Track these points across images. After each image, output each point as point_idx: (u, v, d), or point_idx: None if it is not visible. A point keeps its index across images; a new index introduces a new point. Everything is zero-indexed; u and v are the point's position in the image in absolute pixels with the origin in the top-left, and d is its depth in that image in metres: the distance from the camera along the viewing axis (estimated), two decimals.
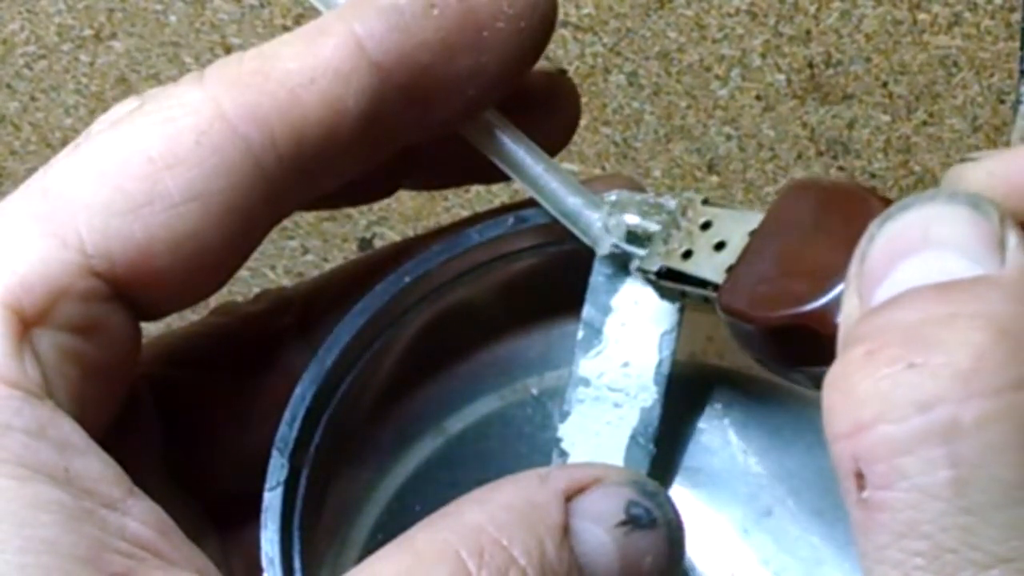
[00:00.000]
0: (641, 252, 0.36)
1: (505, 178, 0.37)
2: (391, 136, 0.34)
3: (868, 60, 0.67)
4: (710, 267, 0.34)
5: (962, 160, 0.31)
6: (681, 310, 0.37)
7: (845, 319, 0.27)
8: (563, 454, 0.37)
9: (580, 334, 0.37)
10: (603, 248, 0.36)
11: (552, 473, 0.33)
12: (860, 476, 0.26)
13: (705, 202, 0.35)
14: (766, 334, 0.31)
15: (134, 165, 0.32)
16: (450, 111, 0.35)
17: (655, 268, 0.36)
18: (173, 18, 0.69)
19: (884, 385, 0.25)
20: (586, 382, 0.37)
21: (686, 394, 0.39)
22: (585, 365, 0.37)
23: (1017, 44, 0.66)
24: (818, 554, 0.38)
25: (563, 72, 0.38)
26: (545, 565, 0.31)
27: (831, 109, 0.68)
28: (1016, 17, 0.65)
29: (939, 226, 0.27)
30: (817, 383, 0.30)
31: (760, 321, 0.31)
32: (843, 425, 0.26)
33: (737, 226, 0.34)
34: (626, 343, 0.37)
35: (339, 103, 0.33)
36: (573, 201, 0.36)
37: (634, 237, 0.36)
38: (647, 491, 0.33)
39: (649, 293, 0.37)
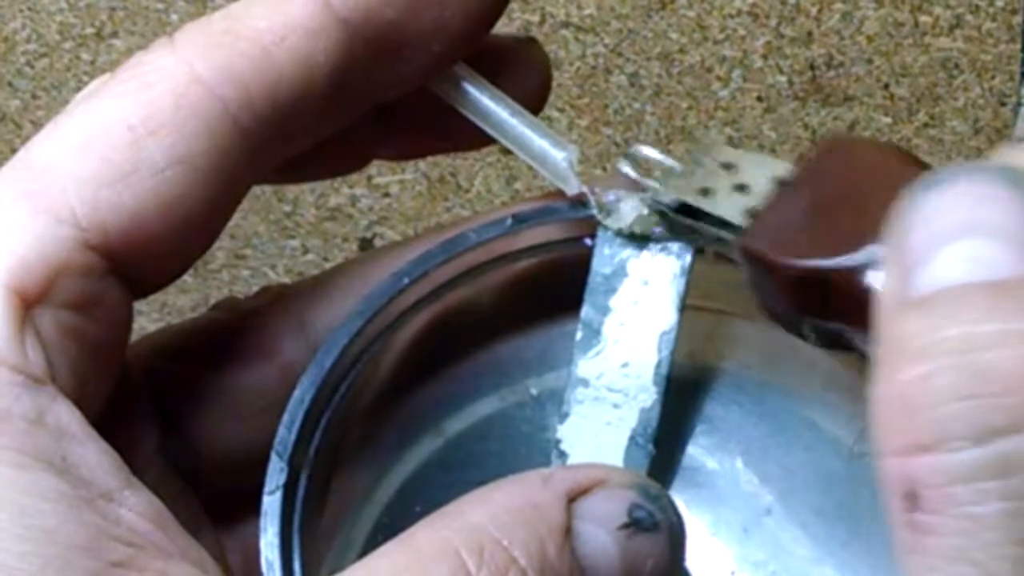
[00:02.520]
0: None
1: (475, 144, 0.38)
2: (362, 92, 0.35)
3: (869, 62, 0.67)
4: (729, 207, 0.34)
5: (1011, 141, 0.30)
6: (681, 310, 0.37)
7: (884, 296, 0.27)
8: (562, 455, 0.37)
9: (579, 335, 0.37)
10: (572, 188, 0.36)
11: (555, 474, 0.33)
12: (911, 497, 0.26)
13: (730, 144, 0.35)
14: (784, 283, 0.30)
15: (116, 134, 0.33)
16: (417, 66, 0.35)
17: (671, 201, 0.36)
18: (175, 16, 0.69)
19: (941, 414, 0.25)
20: (585, 383, 0.37)
21: (685, 394, 0.39)
22: (584, 366, 0.37)
23: (1018, 46, 0.66)
24: (818, 553, 0.38)
25: (531, 39, 0.39)
26: (546, 566, 0.31)
27: (832, 111, 0.68)
28: (1017, 20, 0.65)
29: (983, 207, 0.26)
30: (825, 340, 0.30)
31: (782, 267, 0.30)
32: (897, 445, 0.26)
33: (761, 170, 0.33)
34: (625, 343, 0.37)
35: (310, 59, 0.33)
36: (540, 144, 0.37)
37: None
38: (650, 494, 0.33)
39: (648, 293, 0.37)
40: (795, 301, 0.30)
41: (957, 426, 0.25)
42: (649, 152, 0.36)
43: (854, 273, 0.28)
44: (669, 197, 0.36)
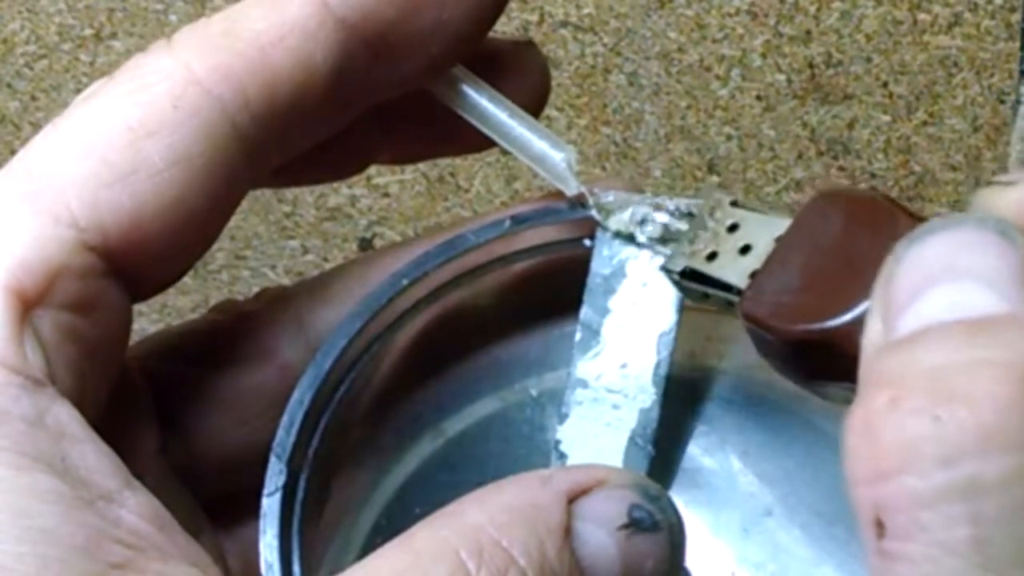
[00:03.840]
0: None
1: (474, 147, 0.38)
2: (360, 93, 0.35)
3: (868, 60, 0.67)
4: (735, 271, 0.34)
5: (992, 183, 0.30)
6: (680, 310, 0.37)
7: (868, 343, 0.27)
8: (562, 456, 0.37)
9: (578, 336, 0.37)
10: (571, 189, 0.36)
11: (554, 475, 0.33)
12: (880, 524, 0.25)
13: (734, 204, 0.36)
14: (786, 346, 0.31)
15: (115, 135, 0.33)
16: (415, 67, 0.35)
17: (679, 268, 0.36)
18: (174, 17, 0.69)
19: (908, 437, 0.25)
20: (584, 384, 0.37)
21: (685, 395, 0.39)
22: (583, 367, 0.37)
23: (1017, 44, 0.66)
24: (818, 554, 0.38)
25: (530, 42, 0.39)
26: (545, 566, 0.31)
27: (831, 109, 0.68)
28: (1016, 17, 0.65)
29: (966, 255, 0.26)
30: (836, 397, 0.30)
31: (781, 333, 0.31)
32: (865, 472, 0.26)
33: (764, 231, 0.34)
34: (624, 344, 0.37)
35: (308, 60, 0.34)
36: (539, 145, 0.37)
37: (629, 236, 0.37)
38: (650, 494, 0.33)
39: (647, 294, 0.37)
40: (800, 362, 0.30)
41: (924, 448, 0.25)
42: (660, 217, 0.37)
43: (851, 332, 0.28)
44: (678, 265, 0.36)
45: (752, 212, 0.35)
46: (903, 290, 0.27)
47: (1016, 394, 0.25)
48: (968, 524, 0.25)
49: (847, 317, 0.29)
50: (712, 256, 0.35)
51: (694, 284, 0.36)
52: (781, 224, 0.33)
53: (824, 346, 0.29)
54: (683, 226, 0.36)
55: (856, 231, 0.31)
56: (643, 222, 0.37)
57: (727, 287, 0.34)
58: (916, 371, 0.25)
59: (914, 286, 0.26)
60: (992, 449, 0.25)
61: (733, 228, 0.35)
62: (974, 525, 0.25)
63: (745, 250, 0.34)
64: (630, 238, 0.37)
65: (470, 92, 0.36)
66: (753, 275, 0.33)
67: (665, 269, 0.36)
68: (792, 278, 0.32)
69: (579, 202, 0.37)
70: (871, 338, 0.27)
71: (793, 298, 0.31)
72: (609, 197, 0.37)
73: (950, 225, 0.27)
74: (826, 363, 0.30)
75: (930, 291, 0.26)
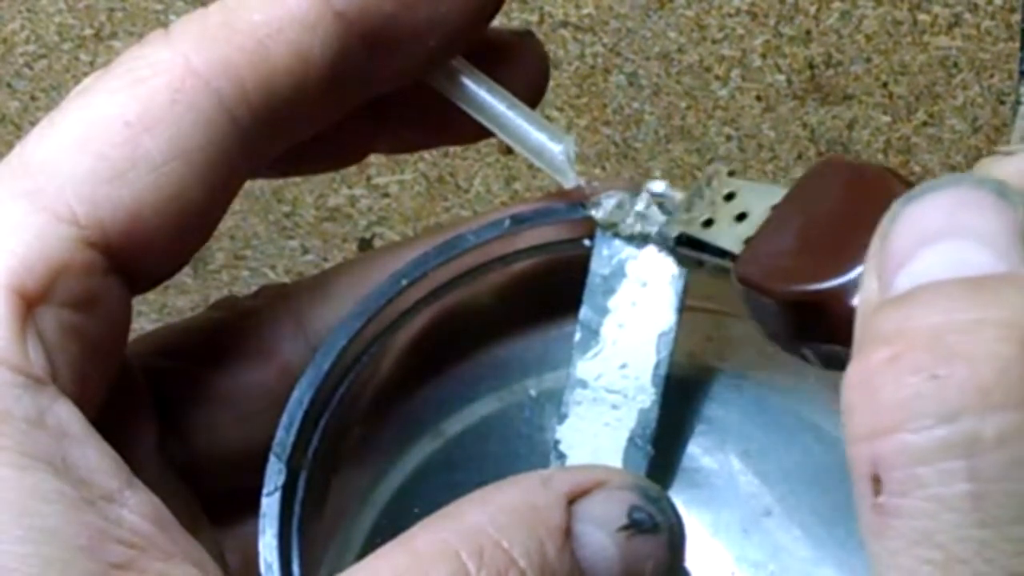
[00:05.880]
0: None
1: (473, 138, 0.38)
2: (357, 85, 0.35)
3: (868, 61, 0.67)
4: (729, 237, 0.34)
5: (994, 152, 0.30)
6: (680, 310, 0.37)
7: (863, 301, 0.27)
8: (561, 456, 0.37)
9: (577, 336, 0.37)
10: (569, 181, 0.37)
11: (555, 475, 0.33)
12: (876, 480, 0.25)
13: (731, 174, 0.36)
14: (779, 308, 0.31)
15: (113, 130, 0.32)
16: (413, 60, 0.35)
17: (675, 235, 0.36)
18: (173, 18, 0.69)
19: (907, 393, 0.25)
20: (584, 384, 0.37)
21: (685, 395, 0.39)
22: (583, 367, 0.37)
23: (1017, 45, 0.66)
24: (818, 554, 0.38)
25: (529, 32, 0.39)
26: (545, 567, 0.31)
27: (831, 110, 0.68)
28: (1016, 18, 0.66)
29: (964, 212, 0.26)
30: (826, 361, 0.30)
31: (774, 294, 0.31)
32: (863, 428, 0.26)
33: (760, 199, 0.34)
34: (624, 344, 0.37)
35: (306, 52, 0.33)
36: (537, 137, 0.37)
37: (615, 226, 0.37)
38: (650, 496, 0.33)
39: (647, 294, 0.37)
40: (792, 325, 0.30)
41: (923, 405, 0.25)
42: (656, 187, 0.37)
43: (844, 294, 0.29)
44: (673, 231, 0.36)
45: (749, 182, 0.35)
46: (900, 247, 0.27)
47: (1015, 353, 0.25)
48: (966, 480, 0.25)
49: (841, 280, 0.29)
50: (708, 223, 0.35)
51: (689, 251, 0.36)
52: (777, 193, 0.33)
53: (817, 308, 0.30)
54: (678, 195, 0.36)
55: (853, 198, 0.31)
56: (643, 192, 0.37)
57: (722, 253, 0.34)
58: (915, 328, 0.26)
59: (911, 243, 0.27)
60: (991, 407, 0.25)
61: (730, 197, 0.35)
62: (972, 481, 0.25)
63: (741, 217, 0.34)
64: (629, 237, 0.37)
65: (469, 84, 0.36)
66: (748, 241, 0.33)
67: (660, 235, 0.36)
68: (787, 242, 0.32)
69: (579, 200, 0.37)
70: (867, 296, 0.27)
71: (787, 261, 0.31)
72: (609, 196, 0.37)
73: (948, 184, 0.27)
74: (818, 325, 0.30)
75: (927, 249, 0.26)
